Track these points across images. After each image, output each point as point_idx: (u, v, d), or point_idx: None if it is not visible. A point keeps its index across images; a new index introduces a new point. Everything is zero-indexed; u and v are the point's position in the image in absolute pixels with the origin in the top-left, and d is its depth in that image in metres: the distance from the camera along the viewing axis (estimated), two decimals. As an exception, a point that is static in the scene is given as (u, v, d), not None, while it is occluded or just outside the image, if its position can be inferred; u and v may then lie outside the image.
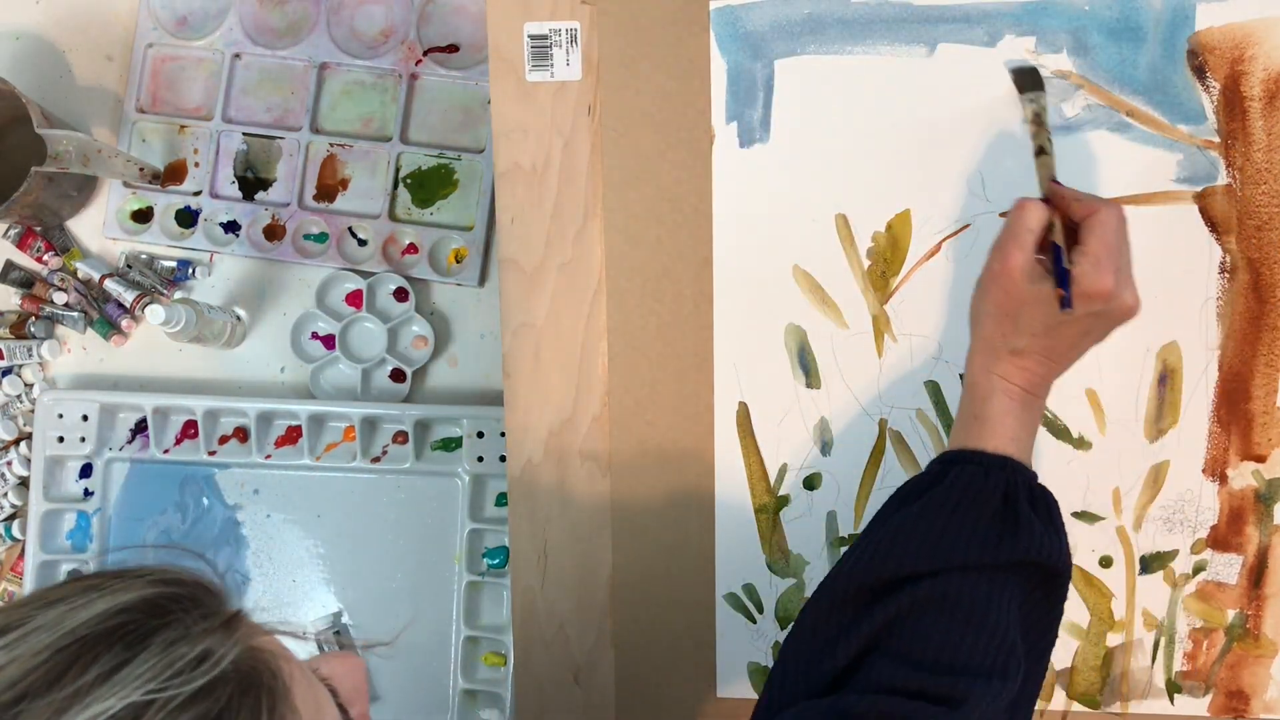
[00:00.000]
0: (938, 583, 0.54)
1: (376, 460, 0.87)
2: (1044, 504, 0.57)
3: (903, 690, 0.51)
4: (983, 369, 0.58)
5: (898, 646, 0.53)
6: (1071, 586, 0.73)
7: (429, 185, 0.89)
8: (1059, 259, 0.56)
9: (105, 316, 0.90)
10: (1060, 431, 0.72)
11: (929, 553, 0.54)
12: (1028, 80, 0.64)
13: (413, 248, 0.89)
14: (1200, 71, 0.69)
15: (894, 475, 0.73)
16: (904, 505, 0.57)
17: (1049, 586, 0.56)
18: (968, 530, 0.54)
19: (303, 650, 0.83)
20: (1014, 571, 0.54)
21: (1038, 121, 0.61)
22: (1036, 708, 0.74)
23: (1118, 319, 0.56)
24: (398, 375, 0.89)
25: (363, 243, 0.89)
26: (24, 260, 0.92)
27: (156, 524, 0.88)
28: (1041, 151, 0.60)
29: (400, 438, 0.88)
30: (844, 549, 0.74)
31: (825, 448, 0.74)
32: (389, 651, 0.86)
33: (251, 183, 0.90)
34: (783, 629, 0.75)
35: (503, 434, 0.81)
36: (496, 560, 0.86)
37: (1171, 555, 0.72)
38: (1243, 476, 0.71)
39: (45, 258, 0.90)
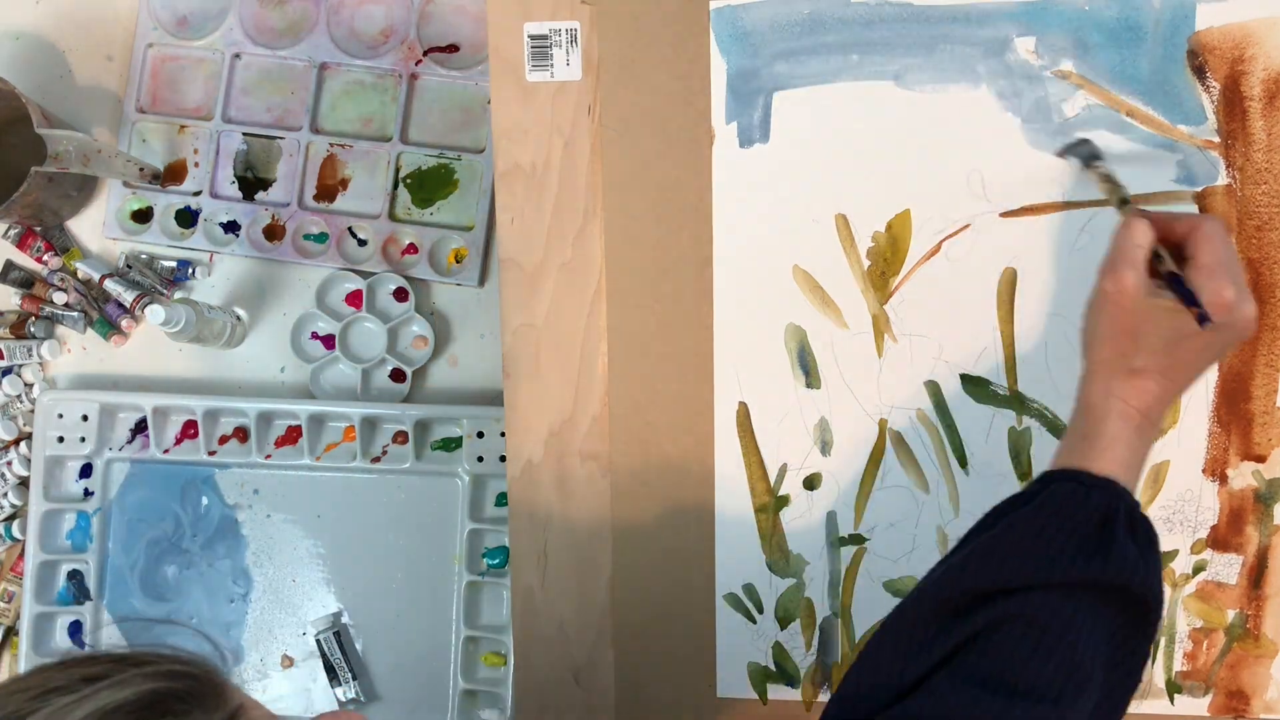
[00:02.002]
0: (1020, 600, 0.52)
1: (376, 460, 0.87)
2: (1144, 533, 0.54)
3: (958, 715, 0.50)
4: (1102, 391, 0.57)
5: (967, 664, 0.52)
6: (1071, 586, 0.73)
7: (429, 185, 0.89)
8: (1178, 281, 0.55)
9: (105, 316, 0.90)
10: (1060, 431, 0.72)
11: (1016, 568, 0.53)
12: (1084, 151, 0.66)
13: (413, 248, 0.89)
14: (1200, 71, 0.69)
15: (894, 475, 0.73)
16: (998, 520, 0.56)
17: (1137, 620, 0.54)
18: (1057, 547, 0.53)
19: (301, 649, 0.84)
20: (1102, 597, 0.53)
21: (1109, 181, 0.63)
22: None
23: (1239, 332, 0.56)
24: (398, 375, 0.89)
25: (363, 243, 0.89)
26: (24, 260, 0.92)
27: (156, 524, 0.88)
28: (1124, 203, 0.61)
29: (400, 438, 0.88)
30: (844, 549, 0.74)
31: (825, 448, 0.74)
32: (389, 651, 0.87)
33: (251, 183, 0.90)
34: (783, 629, 0.75)
35: (503, 434, 0.81)
36: (496, 560, 0.86)
37: (1171, 555, 0.72)
38: (1243, 476, 0.71)
39: (45, 258, 0.90)
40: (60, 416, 0.88)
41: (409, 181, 0.89)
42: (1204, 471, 0.71)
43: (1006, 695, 0.50)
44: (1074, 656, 0.51)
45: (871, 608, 0.75)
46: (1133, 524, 0.54)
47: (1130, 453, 0.56)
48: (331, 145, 0.89)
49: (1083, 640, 0.52)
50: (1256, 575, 0.72)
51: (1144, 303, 0.55)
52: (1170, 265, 0.56)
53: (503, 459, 0.84)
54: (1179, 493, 0.72)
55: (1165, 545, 0.72)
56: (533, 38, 0.73)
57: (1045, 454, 0.72)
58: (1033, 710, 0.50)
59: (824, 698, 0.76)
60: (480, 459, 0.86)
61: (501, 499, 0.87)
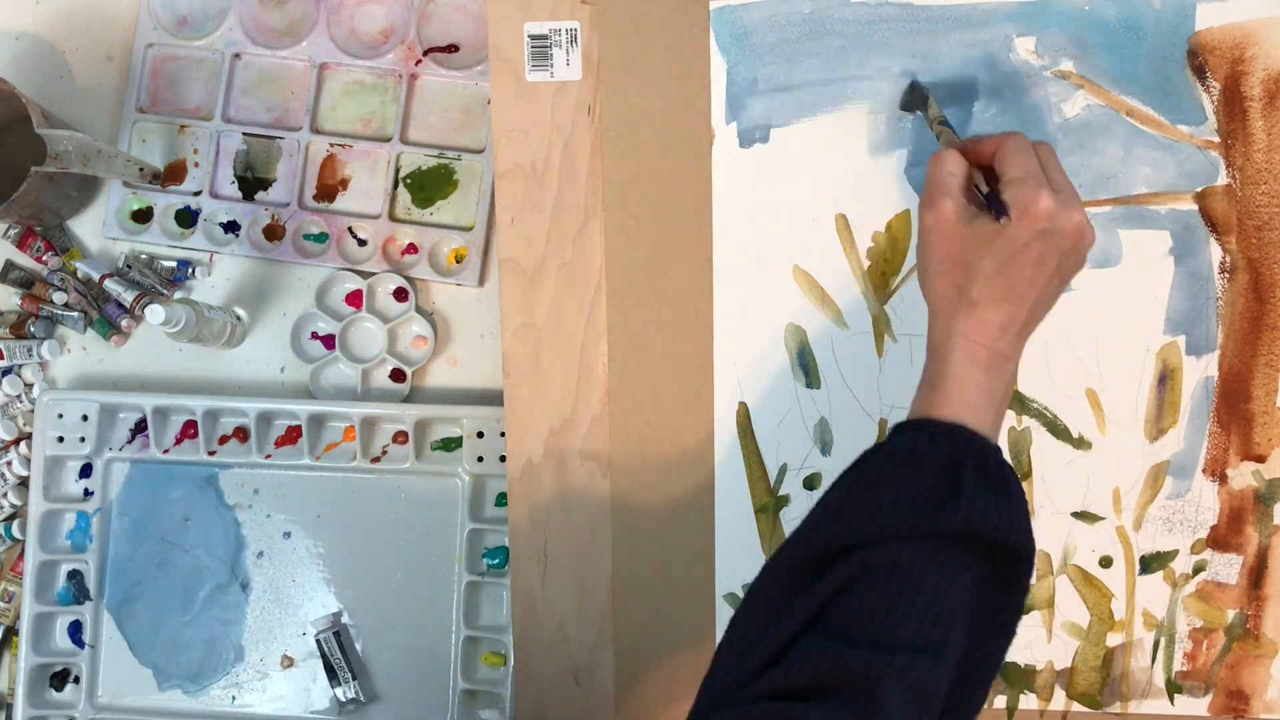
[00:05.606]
0: (875, 552, 0.51)
1: (376, 460, 0.87)
2: (999, 477, 0.52)
3: (824, 672, 0.49)
4: (943, 331, 0.55)
5: (828, 621, 0.51)
6: (1071, 586, 0.73)
7: (429, 185, 0.89)
8: (990, 197, 0.56)
9: (105, 316, 0.90)
10: (1060, 431, 0.72)
11: (867, 522, 0.51)
12: (917, 97, 0.68)
13: (413, 248, 0.89)
14: (1200, 71, 0.69)
15: (894, 475, 0.73)
16: (853, 474, 0.55)
17: (1005, 567, 0.52)
18: (906, 499, 0.51)
19: (302, 651, 0.84)
20: (961, 544, 0.51)
21: (933, 110, 0.65)
22: (1036, 708, 0.74)
23: (1070, 241, 0.54)
24: (398, 375, 0.89)
25: (363, 243, 0.89)
26: (24, 260, 0.92)
27: (156, 524, 0.88)
28: (943, 123, 0.63)
29: (400, 438, 0.88)
30: (844, 549, 0.74)
31: (825, 448, 0.74)
32: (389, 651, 0.86)
33: (251, 183, 0.90)
34: (783, 629, 0.75)
35: (503, 434, 0.81)
36: (496, 560, 0.86)
37: (1171, 555, 0.72)
38: (1243, 476, 0.71)
39: (45, 258, 0.90)
40: (60, 416, 0.88)
41: (409, 181, 0.89)
42: (1204, 471, 0.71)
43: (869, 649, 0.49)
44: (933, 606, 0.50)
45: (871, 608, 0.75)
46: (985, 470, 0.52)
47: (980, 393, 0.54)
48: (331, 145, 0.89)
49: (941, 590, 0.50)
50: (1256, 575, 0.72)
51: (967, 228, 0.54)
52: (982, 186, 0.56)
53: (503, 459, 0.84)
54: (1179, 493, 0.72)
55: (1165, 545, 0.72)
56: (533, 38, 0.73)
57: (1045, 454, 0.72)
58: (895, 661, 0.48)
59: (824, 698, 0.76)
60: (480, 459, 0.86)
61: (501, 499, 0.87)
